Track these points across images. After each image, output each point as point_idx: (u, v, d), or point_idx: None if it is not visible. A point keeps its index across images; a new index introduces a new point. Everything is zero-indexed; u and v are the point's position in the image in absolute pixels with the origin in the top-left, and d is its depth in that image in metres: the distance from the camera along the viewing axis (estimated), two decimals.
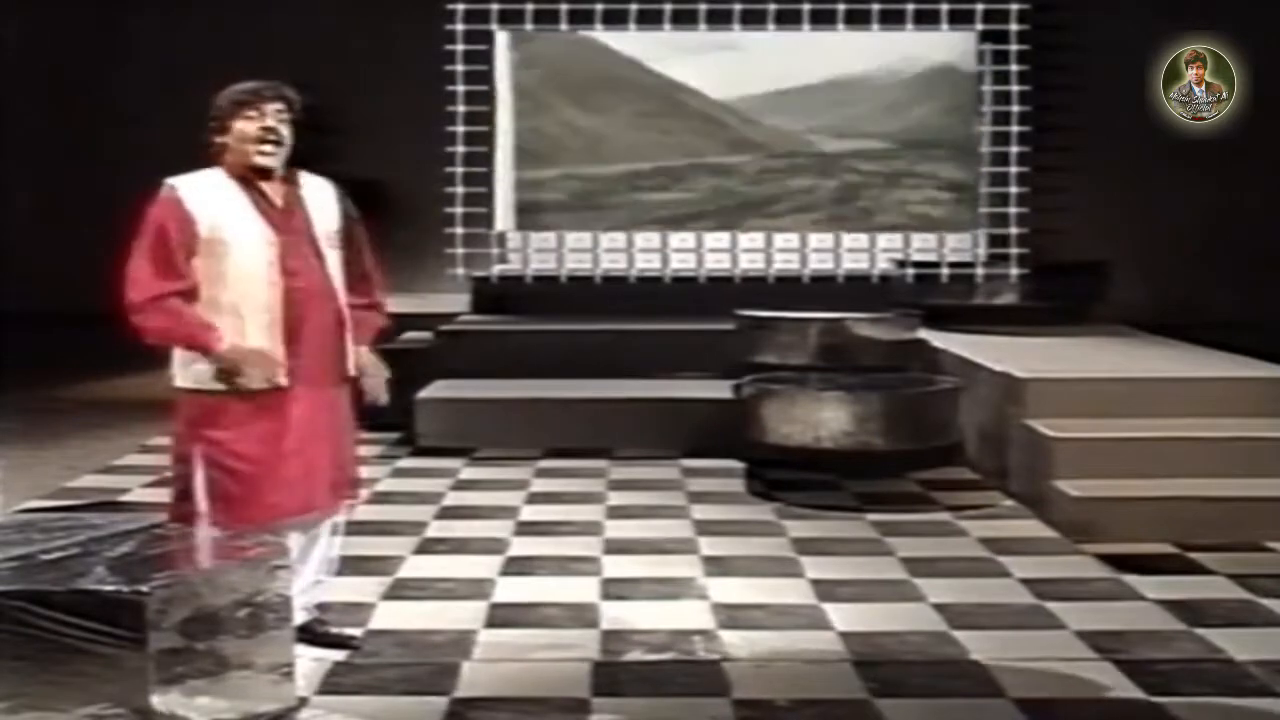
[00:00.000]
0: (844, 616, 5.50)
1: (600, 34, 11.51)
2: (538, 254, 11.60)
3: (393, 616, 5.50)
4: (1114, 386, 7.65)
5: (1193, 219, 12.96)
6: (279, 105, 4.79)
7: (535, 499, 7.69)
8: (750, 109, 11.79)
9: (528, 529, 6.97)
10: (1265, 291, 12.35)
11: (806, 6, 11.19)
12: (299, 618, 4.70)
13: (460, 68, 11.14)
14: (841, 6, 11.19)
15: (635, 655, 5.07)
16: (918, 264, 11.40)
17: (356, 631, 5.22)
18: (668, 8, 11.20)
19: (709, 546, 6.61)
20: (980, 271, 11.28)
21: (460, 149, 11.17)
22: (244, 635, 4.22)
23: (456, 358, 9.87)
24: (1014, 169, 11.32)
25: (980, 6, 11.26)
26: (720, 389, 8.86)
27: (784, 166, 11.84)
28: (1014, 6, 11.23)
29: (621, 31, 11.41)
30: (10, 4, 13.27)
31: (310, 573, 4.98)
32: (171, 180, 4.76)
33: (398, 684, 4.76)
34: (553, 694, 4.66)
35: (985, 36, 11.38)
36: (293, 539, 4.81)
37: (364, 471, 5.45)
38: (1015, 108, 11.26)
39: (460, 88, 11.13)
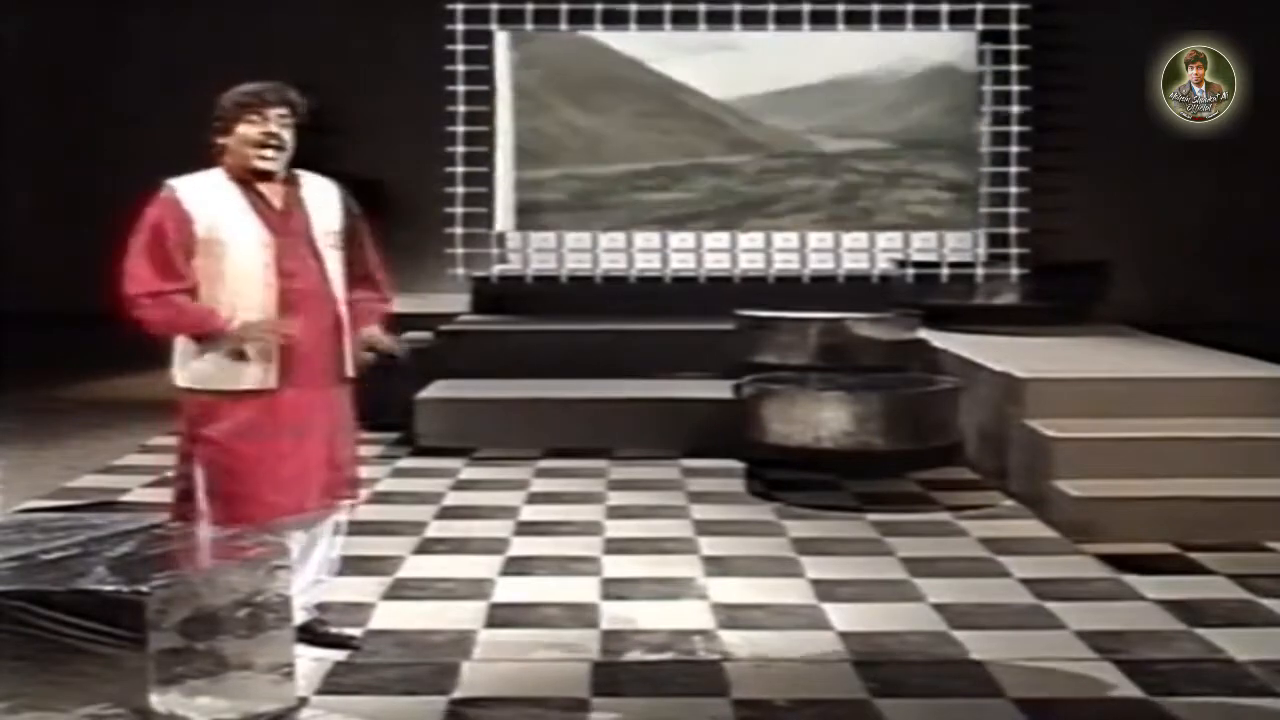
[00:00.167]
0: (844, 616, 5.50)
1: (600, 34, 11.51)
2: (538, 254, 11.61)
3: (393, 616, 5.50)
4: (1114, 386, 7.64)
5: (1193, 219, 12.96)
6: (282, 110, 4.78)
7: (535, 499, 7.69)
8: (750, 109, 11.80)
9: (528, 529, 6.97)
10: (1265, 291, 12.35)
11: (806, 7, 11.19)
12: (299, 618, 4.70)
13: (460, 68, 11.14)
14: (841, 7, 11.18)
15: (635, 655, 5.07)
16: (918, 264, 11.40)
17: (356, 631, 5.22)
18: (668, 8, 11.20)
19: (709, 546, 6.61)
20: (980, 271, 11.28)
21: (460, 149, 11.18)
22: (244, 635, 4.22)
23: (456, 358, 9.87)
24: (1014, 169, 11.32)
25: (980, 6, 11.26)
26: (720, 389, 8.86)
27: (784, 166, 11.85)
28: (1014, 6, 11.24)
29: (621, 31, 11.41)
30: (10, 4, 13.26)
31: (311, 572, 4.98)
32: (170, 181, 4.77)
33: (398, 684, 4.76)
34: (553, 694, 4.67)
35: (985, 36, 11.39)
36: (294, 539, 4.81)
37: (364, 471, 5.45)
38: (1015, 108, 11.26)
39: (460, 88, 11.14)
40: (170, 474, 4.99)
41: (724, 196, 11.79)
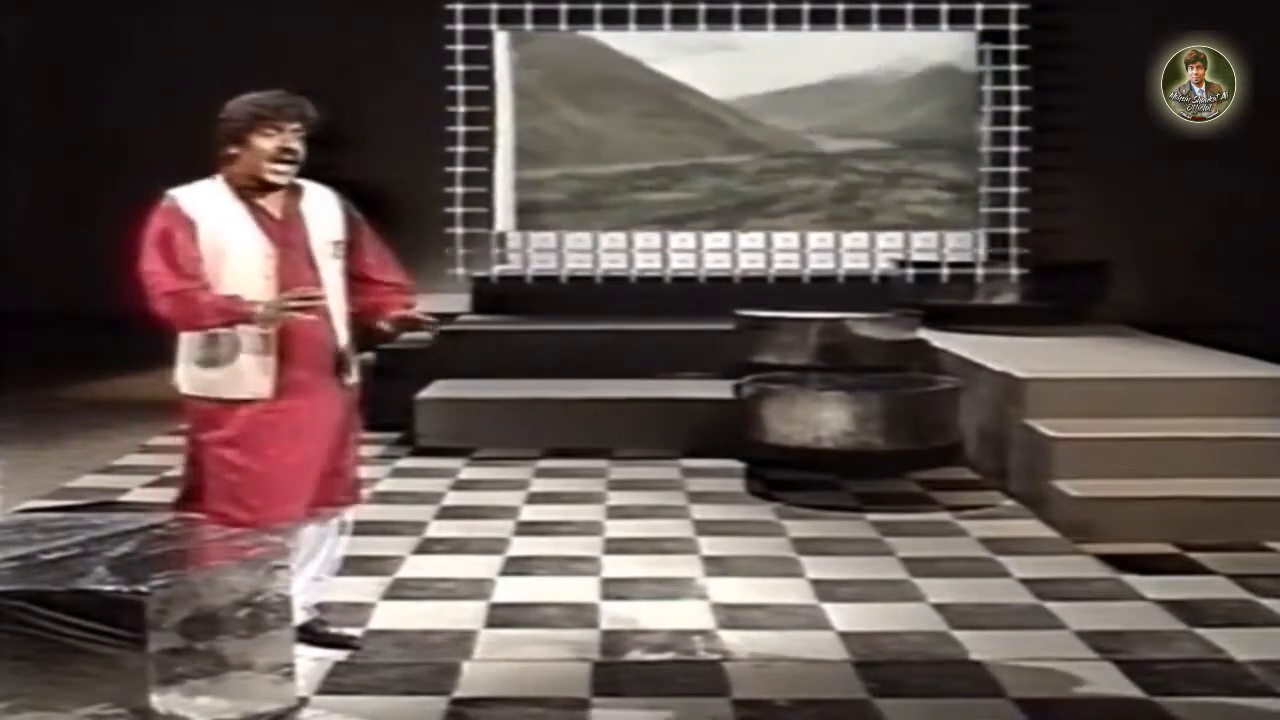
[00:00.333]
0: (844, 616, 5.50)
1: (600, 34, 11.51)
2: (538, 254, 11.60)
3: (393, 616, 5.50)
4: (1114, 386, 7.65)
5: (1193, 219, 12.96)
6: (298, 125, 4.72)
7: (535, 499, 7.70)
8: (750, 109, 11.79)
9: (528, 529, 6.97)
10: (1265, 291, 12.34)
11: (806, 6, 11.17)
12: (299, 618, 4.70)
13: (460, 68, 11.13)
14: (841, 6, 11.17)
15: (635, 655, 5.07)
16: (918, 264, 11.39)
17: (356, 631, 5.22)
18: (668, 8, 11.19)
19: (709, 546, 6.61)
20: (980, 271, 11.27)
21: (460, 149, 11.17)
22: (244, 635, 4.22)
23: (456, 358, 9.86)
24: (1014, 169, 11.31)
25: (980, 6, 11.25)
26: (720, 389, 8.86)
27: (784, 166, 11.84)
28: (1014, 6, 11.23)
29: (621, 31, 11.40)
30: (10, 4, 13.26)
31: (311, 573, 4.98)
32: (171, 191, 4.73)
33: (398, 684, 4.76)
34: (553, 694, 4.67)
35: (985, 36, 11.38)
36: (296, 539, 4.81)
37: (364, 471, 5.45)
38: (1015, 108, 11.25)
39: (460, 88, 11.13)
40: (172, 473, 4.99)
41: (724, 196, 11.79)
